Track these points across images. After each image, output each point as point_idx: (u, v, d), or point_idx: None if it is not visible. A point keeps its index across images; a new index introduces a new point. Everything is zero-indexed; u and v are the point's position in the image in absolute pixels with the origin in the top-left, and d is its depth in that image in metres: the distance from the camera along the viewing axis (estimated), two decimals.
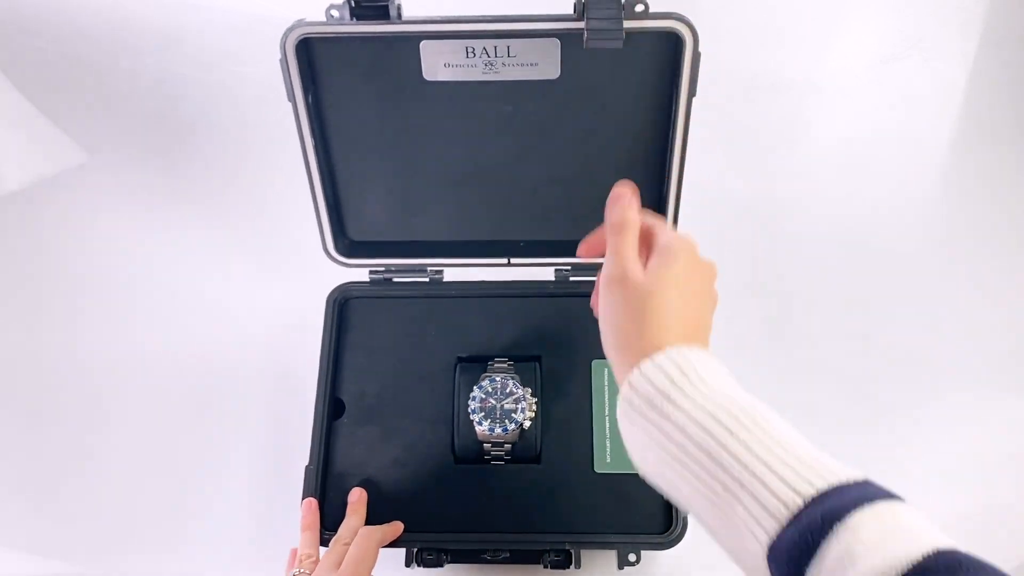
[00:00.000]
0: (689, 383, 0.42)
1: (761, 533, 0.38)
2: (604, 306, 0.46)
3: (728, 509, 0.39)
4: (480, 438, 0.65)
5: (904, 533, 0.35)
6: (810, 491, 0.37)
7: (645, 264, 0.47)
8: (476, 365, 0.67)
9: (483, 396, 0.64)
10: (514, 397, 0.63)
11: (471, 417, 0.64)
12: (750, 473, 0.38)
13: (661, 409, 0.41)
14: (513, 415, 0.64)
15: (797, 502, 0.37)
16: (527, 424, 0.64)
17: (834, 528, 0.35)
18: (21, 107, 0.92)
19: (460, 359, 0.69)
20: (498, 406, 0.64)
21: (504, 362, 0.67)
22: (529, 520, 0.64)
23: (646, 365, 0.42)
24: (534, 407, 0.64)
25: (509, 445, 0.65)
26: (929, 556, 0.33)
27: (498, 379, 0.65)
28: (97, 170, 0.90)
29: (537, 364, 0.68)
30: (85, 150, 0.91)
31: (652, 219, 0.50)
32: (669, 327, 0.44)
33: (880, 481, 0.39)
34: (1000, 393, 0.78)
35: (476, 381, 0.66)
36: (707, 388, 0.42)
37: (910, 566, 0.33)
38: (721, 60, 0.75)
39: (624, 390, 0.43)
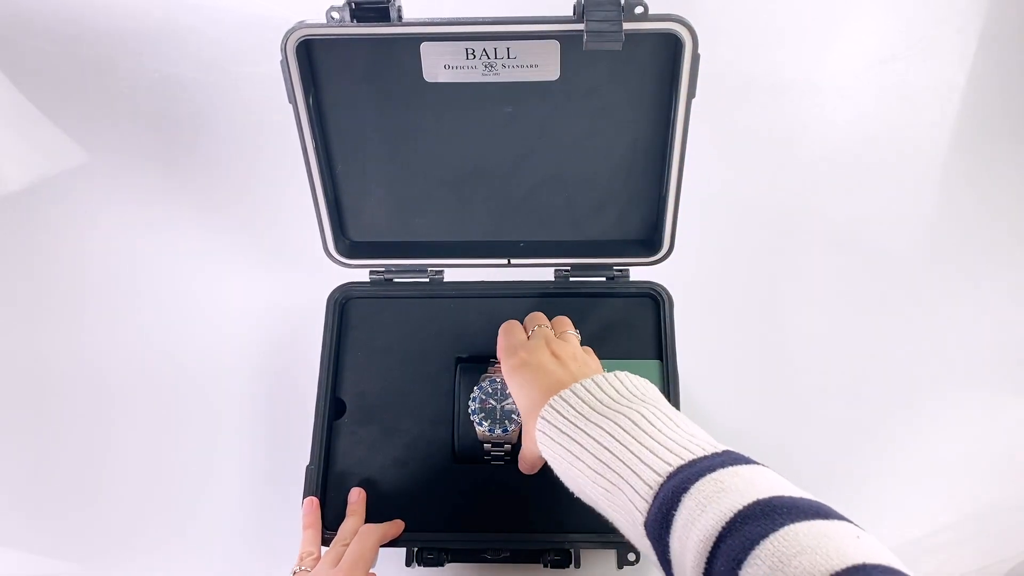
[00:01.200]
0: (580, 404, 0.50)
1: (638, 515, 0.43)
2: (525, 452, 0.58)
3: (618, 501, 0.45)
4: (480, 438, 0.65)
5: (734, 490, 0.39)
6: (668, 468, 0.43)
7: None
8: (476, 365, 0.68)
9: (483, 397, 0.65)
10: (512, 399, 0.63)
11: (471, 418, 0.64)
12: (625, 464, 0.44)
13: (562, 430, 0.49)
14: (513, 416, 0.64)
15: (658, 480, 0.43)
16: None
17: (681, 499, 0.41)
18: (21, 107, 0.92)
19: (460, 359, 0.70)
20: (498, 407, 0.64)
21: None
22: (529, 520, 0.64)
23: (552, 401, 0.51)
24: None
25: (509, 445, 0.65)
26: (748, 505, 0.38)
27: (498, 380, 0.65)
28: (97, 170, 0.91)
29: None
30: (85, 150, 0.91)
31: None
32: (532, 400, 0.54)
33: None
34: (999, 394, 0.78)
35: (476, 381, 0.66)
36: (590, 404, 0.50)
37: (731, 515, 0.38)
38: (720, 61, 0.75)
39: (538, 424, 0.51)
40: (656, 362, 0.69)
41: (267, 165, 0.89)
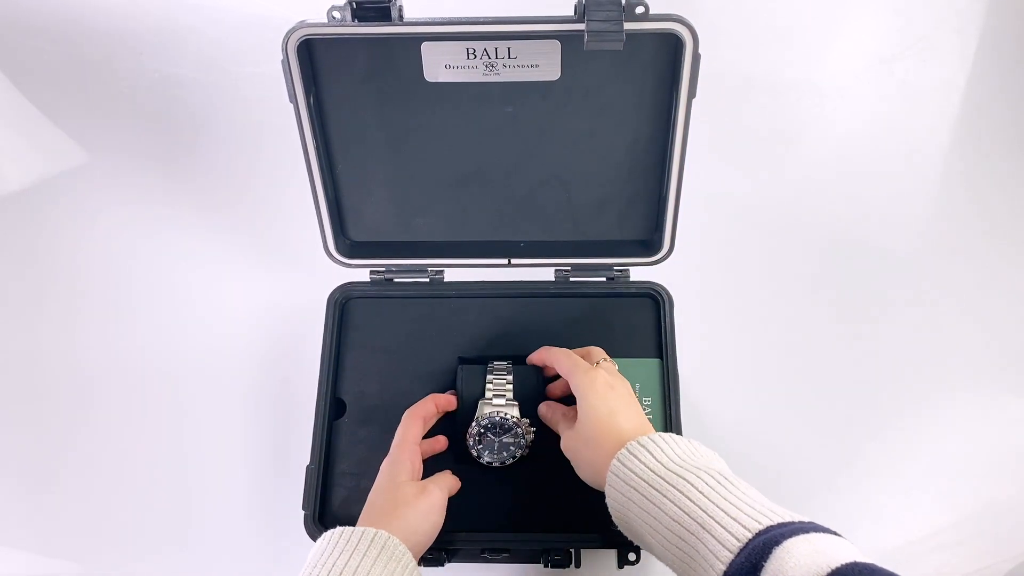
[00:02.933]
0: (659, 453, 0.53)
1: (719, 564, 0.45)
2: (568, 452, 0.60)
3: (692, 552, 0.47)
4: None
5: (828, 552, 0.42)
6: (758, 527, 0.45)
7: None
8: (479, 367, 0.67)
9: (479, 432, 0.64)
10: (511, 433, 0.64)
11: (470, 451, 0.64)
12: (711, 517, 0.47)
13: (640, 478, 0.51)
14: (511, 447, 0.64)
15: (747, 535, 0.45)
16: (525, 453, 0.65)
17: (772, 551, 0.43)
18: (21, 107, 0.92)
19: (461, 359, 0.70)
20: (496, 441, 0.64)
21: (503, 368, 0.67)
22: (529, 520, 0.64)
23: (622, 453, 0.53)
24: (531, 434, 0.64)
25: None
26: (846, 565, 0.40)
27: (498, 417, 0.64)
28: (97, 170, 0.91)
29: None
30: (85, 150, 0.91)
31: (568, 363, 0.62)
32: (620, 429, 0.56)
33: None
34: (999, 394, 0.78)
35: (479, 382, 0.66)
36: (672, 456, 0.52)
37: (828, 572, 0.40)
38: (721, 61, 0.75)
39: (609, 476, 0.54)
40: (656, 361, 0.69)
41: (267, 165, 0.89)
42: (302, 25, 0.56)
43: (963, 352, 0.80)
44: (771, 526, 0.44)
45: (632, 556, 0.65)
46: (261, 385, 0.79)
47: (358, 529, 0.54)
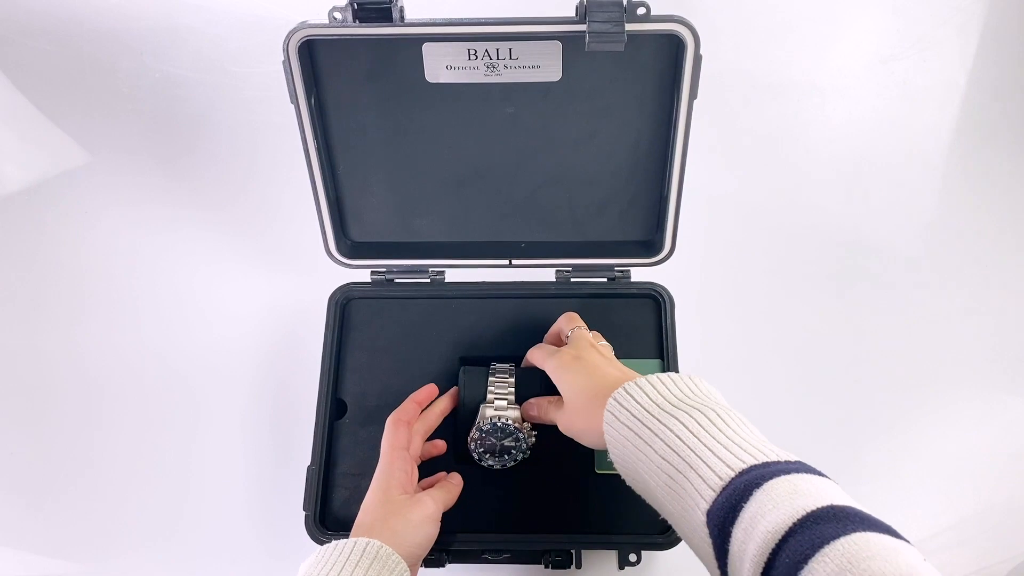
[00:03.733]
0: (655, 394, 0.51)
1: (702, 502, 0.44)
2: (569, 432, 0.58)
3: (680, 490, 0.46)
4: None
5: (809, 493, 0.41)
6: (741, 466, 0.44)
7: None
8: (479, 369, 0.67)
9: (480, 436, 0.63)
10: (513, 437, 0.63)
11: (472, 455, 0.64)
12: (696, 456, 0.46)
13: (634, 418, 0.50)
14: (512, 451, 0.64)
15: (730, 474, 0.43)
16: (527, 455, 0.64)
17: (753, 493, 0.42)
18: (21, 107, 0.92)
19: (462, 360, 0.70)
20: (498, 444, 0.63)
21: (506, 370, 0.66)
22: (529, 520, 0.64)
23: (610, 403, 0.52)
24: (532, 437, 0.64)
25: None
26: (822, 508, 0.39)
27: (500, 422, 0.62)
28: (98, 170, 0.91)
29: None
30: (86, 151, 0.91)
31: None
32: (603, 386, 0.55)
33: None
34: (999, 394, 0.78)
35: (480, 394, 0.65)
36: (665, 397, 0.51)
37: (804, 514, 0.39)
38: (721, 61, 0.75)
39: (604, 428, 0.52)
40: (657, 361, 0.69)
41: (268, 165, 0.89)
42: (303, 26, 0.56)
43: (963, 352, 0.80)
44: (755, 465, 0.44)
45: (633, 557, 0.65)
46: (262, 386, 0.79)
47: (350, 540, 0.54)
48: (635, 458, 0.50)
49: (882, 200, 0.88)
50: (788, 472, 0.42)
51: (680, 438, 0.47)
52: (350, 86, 0.61)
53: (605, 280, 0.72)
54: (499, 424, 0.63)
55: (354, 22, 0.55)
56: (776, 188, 0.89)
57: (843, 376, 0.79)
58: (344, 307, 0.72)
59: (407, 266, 0.72)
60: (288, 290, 0.83)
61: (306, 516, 0.64)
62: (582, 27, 0.54)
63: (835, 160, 0.90)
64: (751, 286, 0.84)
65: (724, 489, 0.43)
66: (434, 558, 0.63)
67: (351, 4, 0.54)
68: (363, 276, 0.72)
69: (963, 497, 0.73)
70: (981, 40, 0.95)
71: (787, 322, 0.82)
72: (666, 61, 0.58)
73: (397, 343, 0.71)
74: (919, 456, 0.75)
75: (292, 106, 0.60)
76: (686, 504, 0.45)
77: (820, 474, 0.43)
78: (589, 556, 0.68)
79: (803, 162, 0.90)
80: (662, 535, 0.63)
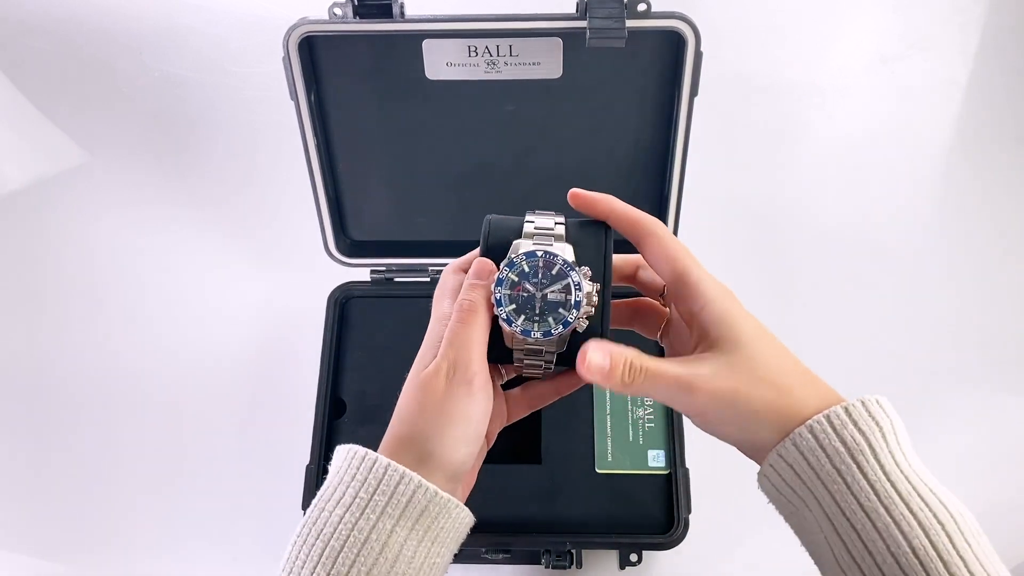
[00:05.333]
0: (885, 445, 0.36)
1: None
2: (723, 396, 0.39)
3: None
4: (510, 344, 0.43)
5: None
6: None
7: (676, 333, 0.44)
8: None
9: (514, 280, 0.42)
10: (563, 284, 0.41)
11: (498, 312, 0.41)
12: None
13: (844, 474, 0.35)
14: (561, 310, 0.41)
15: None
16: (583, 324, 0.42)
17: None
18: (21, 107, 0.92)
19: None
20: (538, 296, 0.41)
21: (549, 217, 0.45)
22: (529, 520, 0.64)
23: (831, 414, 0.37)
24: (595, 298, 0.42)
25: (552, 355, 0.44)
26: None
27: (539, 254, 0.42)
28: (98, 170, 0.90)
29: None
30: (86, 150, 0.91)
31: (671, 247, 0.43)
32: (812, 380, 0.39)
33: None
34: (999, 393, 0.78)
35: (512, 232, 0.44)
36: (904, 460, 0.36)
37: None
38: (722, 60, 0.75)
39: (797, 447, 0.37)
40: None
41: (267, 165, 0.89)
42: (303, 22, 0.56)
43: (964, 352, 0.80)
44: None
45: (633, 557, 0.65)
46: (261, 384, 0.79)
47: (382, 461, 0.38)
48: (827, 535, 0.36)
49: (883, 199, 0.88)
50: None
51: (921, 560, 0.34)
52: (350, 83, 0.61)
53: None
54: (540, 257, 0.42)
55: (354, 18, 0.55)
56: (776, 187, 0.89)
57: (844, 375, 0.78)
58: (343, 306, 0.72)
59: (407, 265, 0.72)
60: (287, 289, 0.83)
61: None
62: (583, 23, 0.54)
63: (836, 159, 0.90)
64: (751, 285, 0.83)
65: None
66: None
67: (351, 0, 0.54)
68: (363, 275, 0.72)
69: (963, 497, 0.72)
70: (982, 40, 0.95)
71: (787, 321, 0.81)
72: (667, 58, 0.58)
73: (396, 342, 0.70)
74: (920, 456, 0.74)
75: (291, 104, 0.60)
76: None
77: None
78: (589, 556, 0.68)
79: (803, 161, 0.90)
80: (663, 535, 0.62)
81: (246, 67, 0.93)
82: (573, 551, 0.63)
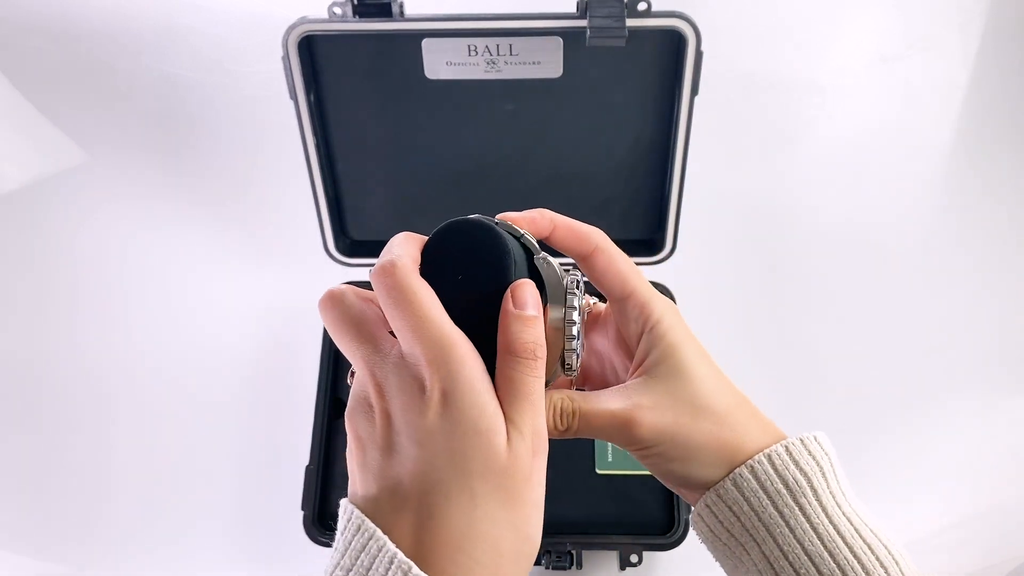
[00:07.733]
0: (826, 486, 0.35)
1: None
2: (665, 430, 0.36)
3: None
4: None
5: None
6: None
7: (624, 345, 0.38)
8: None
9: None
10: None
11: (572, 345, 0.37)
12: None
13: (787, 518, 0.34)
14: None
15: None
16: (576, 371, 0.37)
17: None
18: (21, 107, 0.92)
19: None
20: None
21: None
22: None
23: (772, 454, 0.35)
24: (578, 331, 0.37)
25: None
26: None
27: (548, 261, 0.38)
28: (97, 170, 0.90)
29: None
30: (85, 150, 0.91)
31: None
32: (753, 414, 0.37)
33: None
34: (1001, 393, 0.78)
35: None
36: (844, 499, 0.35)
37: None
38: (722, 59, 0.75)
39: (732, 485, 0.35)
40: None
41: (267, 164, 0.89)
42: (303, 21, 0.56)
43: (964, 352, 0.80)
44: None
45: (634, 557, 0.65)
46: (260, 384, 0.79)
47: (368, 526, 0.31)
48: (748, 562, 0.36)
49: (884, 199, 0.88)
50: None
51: None
52: (349, 82, 0.61)
53: None
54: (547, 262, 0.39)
55: (354, 17, 0.55)
56: (777, 187, 0.89)
57: (845, 375, 0.78)
58: None
59: None
60: (287, 289, 0.83)
61: (304, 516, 0.64)
62: (583, 22, 0.54)
63: (837, 158, 0.90)
64: (752, 285, 0.83)
65: None
66: None
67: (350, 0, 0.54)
68: (362, 275, 0.72)
69: (964, 497, 0.73)
70: (983, 39, 0.95)
71: (788, 321, 0.82)
72: (667, 57, 0.58)
73: None
74: (920, 456, 0.74)
75: (291, 104, 0.60)
76: None
77: None
78: (589, 557, 0.67)
79: (803, 161, 0.90)
80: (664, 536, 0.62)
81: (246, 67, 0.93)
82: (573, 552, 0.63)
